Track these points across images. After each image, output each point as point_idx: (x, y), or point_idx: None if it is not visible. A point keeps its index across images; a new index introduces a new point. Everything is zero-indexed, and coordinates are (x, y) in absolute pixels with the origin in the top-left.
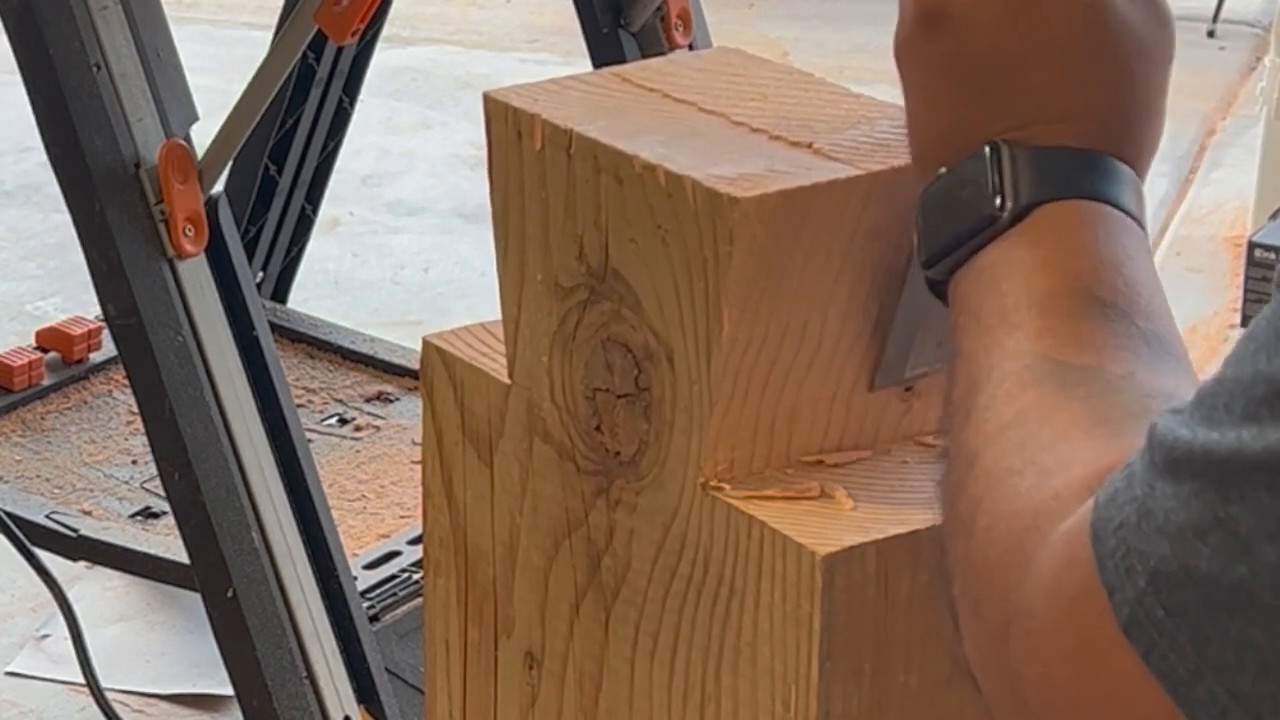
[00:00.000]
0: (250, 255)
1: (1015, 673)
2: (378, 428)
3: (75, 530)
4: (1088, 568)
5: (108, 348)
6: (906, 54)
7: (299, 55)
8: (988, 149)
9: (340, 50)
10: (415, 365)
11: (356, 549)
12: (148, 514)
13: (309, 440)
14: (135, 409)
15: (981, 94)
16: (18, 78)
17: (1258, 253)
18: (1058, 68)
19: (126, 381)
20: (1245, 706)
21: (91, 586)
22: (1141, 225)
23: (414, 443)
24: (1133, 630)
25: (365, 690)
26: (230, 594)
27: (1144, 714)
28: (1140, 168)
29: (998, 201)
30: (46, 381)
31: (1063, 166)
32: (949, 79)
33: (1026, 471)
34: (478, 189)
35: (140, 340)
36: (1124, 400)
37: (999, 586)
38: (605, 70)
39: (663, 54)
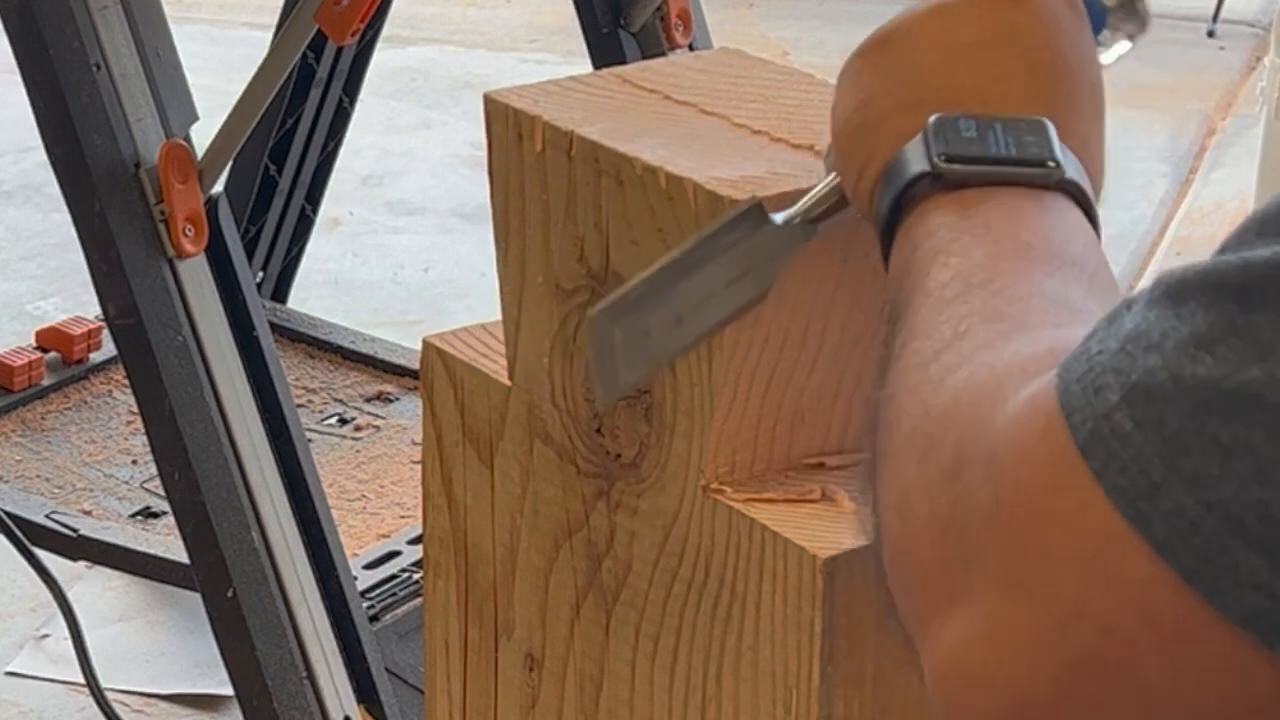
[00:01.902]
0: (250, 255)
1: (956, 512)
2: (378, 428)
3: (75, 530)
4: (1049, 398)
5: (108, 348)
6: (968, 14)
7: (299, 55)
8: (1047, 124)
9: (340, 50)
10: (415, 365)
11: (356, 549)
12: (148, 514)
13: (309, 440)
14: (135, 409)
15: (1042, 71)
16: (18, 78)
17: None
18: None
19: (126, 381)
20: (1222, 516)
21: (91, 586)
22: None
23: (414, 443)
24: (1091, 447)
25: (365, 690)
26: (230, 594)
27: (1092, 534)
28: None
29: (1056, 161)
30: (46, 381)
31: (1080, 173)
32: (1017, 42)
33: (1023, 338)
34: (478, 189)
35: (140, 340)
36: (1084, 303)
37: (955, 429)
38: (606, 71)
39: (663, 54)
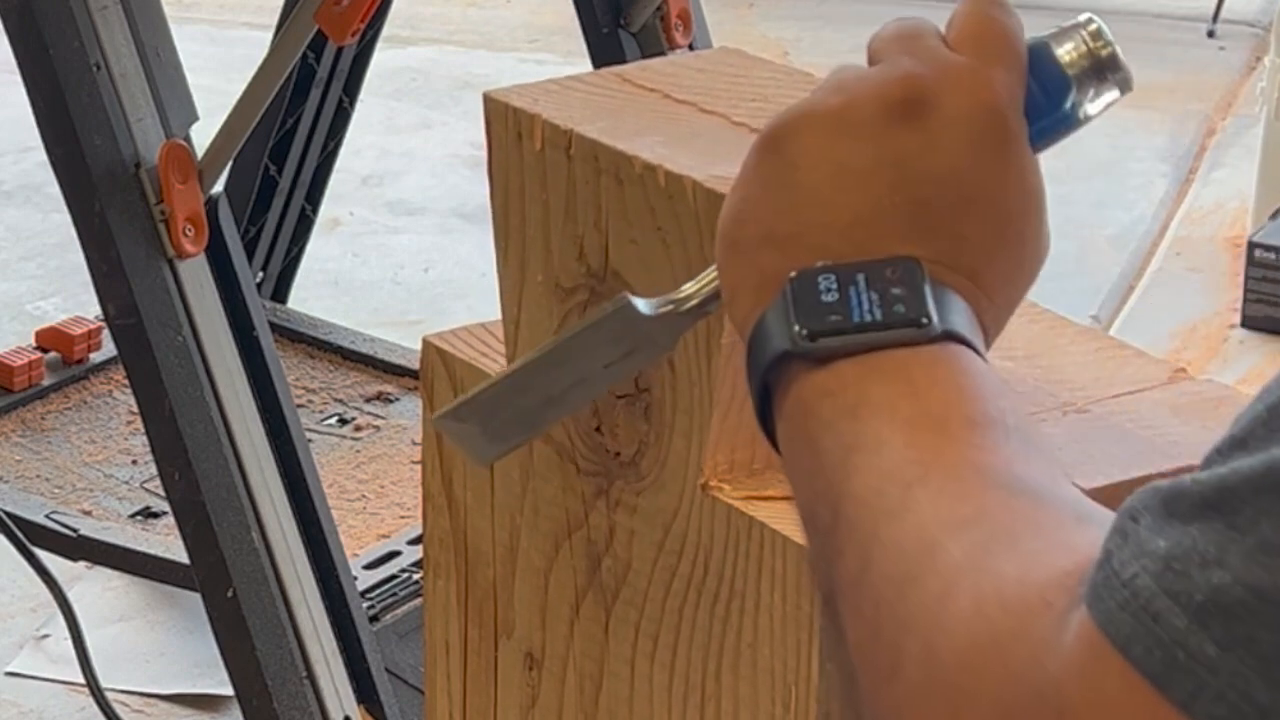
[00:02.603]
0: (250, 255)
1: None
2: (378, 428)
3: (75, 530)
4: (1098, 636)
5: (108, 348)
6: (858, 131)
7: (299, 55)
8: (919, 265)
9: (340, 50)
10: (415, 365)
11: (356, 549)
12: (148, 514)
13: (309, 440)
14: (135, 409)
15: (923, 206)
16: (18, 78)
17: (1258, 253)
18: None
19: (126, 381)
20: None
21: (91, 586)
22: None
23: (414, 443)
24: (1170, 677)
25: (365, 690)
26: (230, 594)
27: None
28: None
29: (928, 315)
30: (46, 381)
31: (961, 313)
32: (901, 173)
33: (1011, 557)
34: (478, 189)
35: (140, 340)
36: (1097, 509)
37: (996, 676)
38: (606, 71)
39: (663, 54)
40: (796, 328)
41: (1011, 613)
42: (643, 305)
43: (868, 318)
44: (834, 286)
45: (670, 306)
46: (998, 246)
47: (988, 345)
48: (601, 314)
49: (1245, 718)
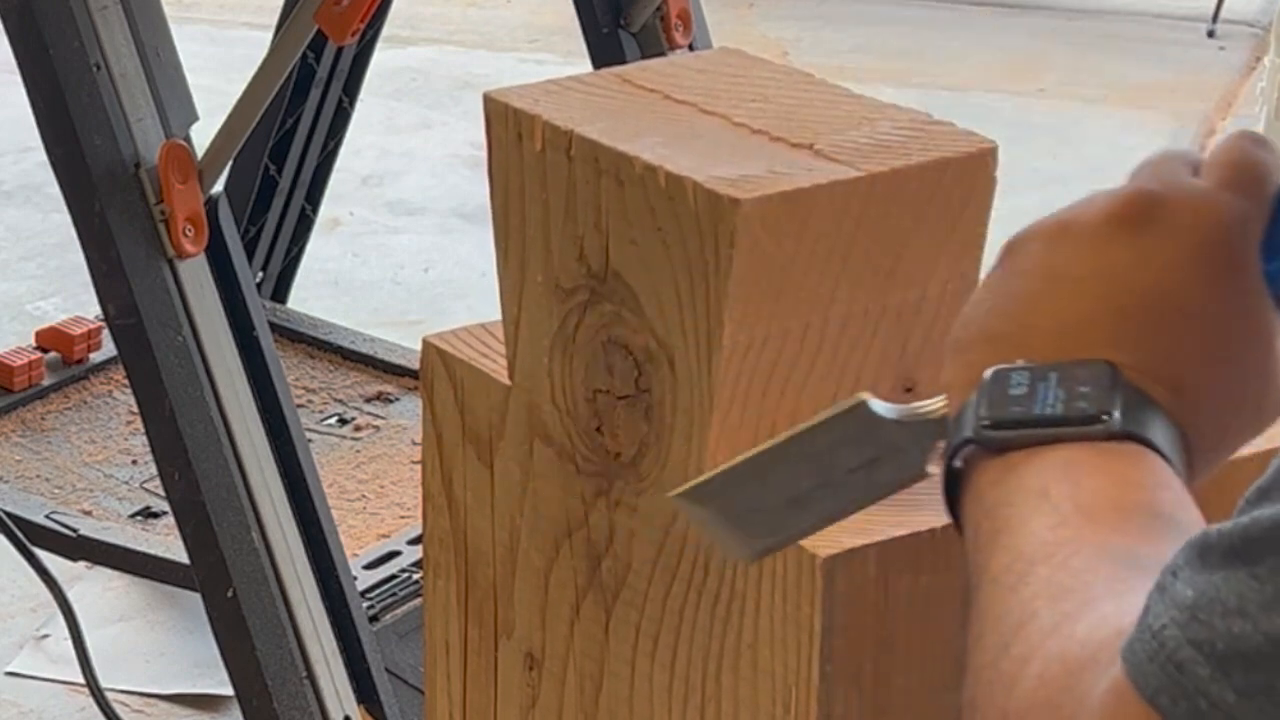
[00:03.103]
0: (250, 255)
1: None
2: (378, 428)
3: (75, 530)
4: (1125, 688)
5: (108, 348)
6: (1080, 240)
7: (299, 55)
8: (1114, 368)
9: (340, 50)
10: (415, 365)
11: (356, 549)
12: (148, 514)
13: (309, 440)
14: (135, 409)
15: (1128, 315)
16: (18, 78)
17: None
18: (1207, 340)
19: (126, 381)
20: None
21: (91, 586)
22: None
23: (414, 443)
24: None
25: (365, 690)
26: (230, 594)
27: None
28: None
29: (1109, 413)
30: (46, 381)
31: (1152, 417)
32: (1112, 283)
33: (1081, 619)
34: (478, 189)
35: (140, 340)
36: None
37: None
38: (606, 71)
39: (663, 54)
40: (981, 416)
41: (1069, 670)
42: (881, 408)
43: (1049, 411)
44: (1025, 382)
45: (911, 413)
46: (1208, 364)
47: (1196, 473)
48: (836, 409)
49: None
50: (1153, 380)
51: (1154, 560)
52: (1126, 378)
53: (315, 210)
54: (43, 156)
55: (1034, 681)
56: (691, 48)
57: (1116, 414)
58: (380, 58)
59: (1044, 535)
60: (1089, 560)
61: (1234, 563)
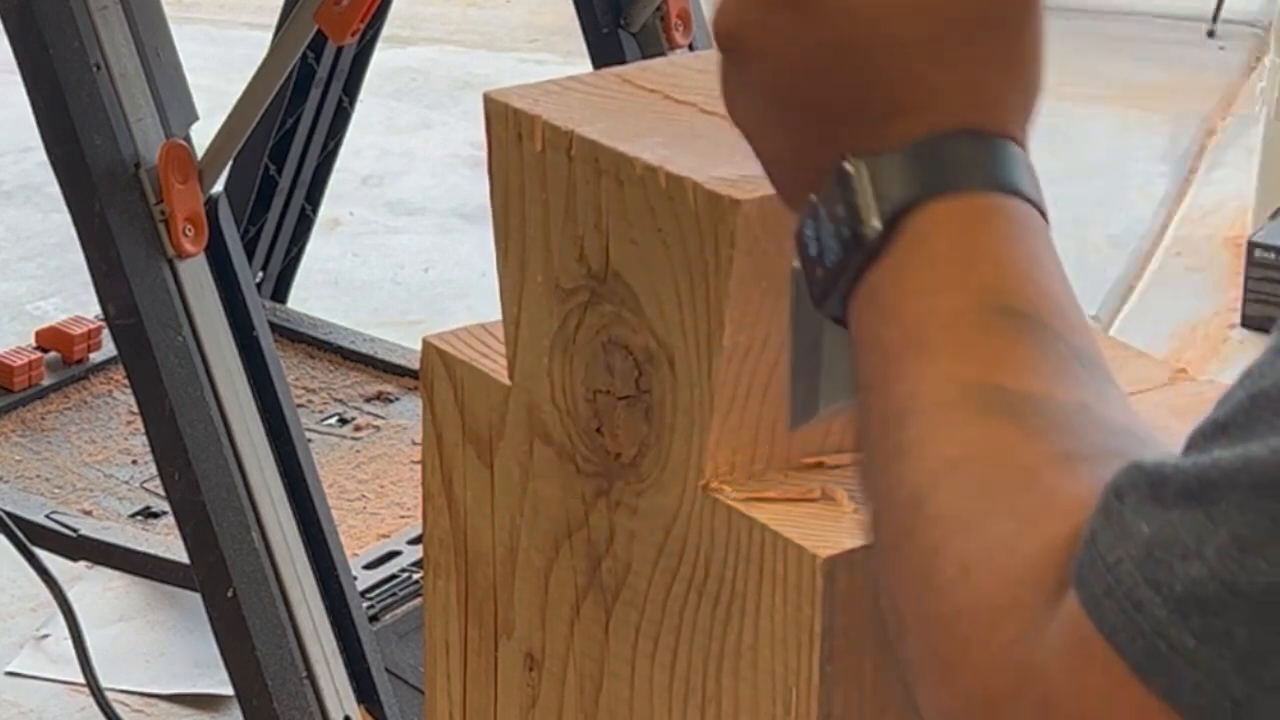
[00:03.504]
0: (250, 255)
1: None
2: (378, 428)
3: (75, 530)
4: (1084, 621)
5: (108, 348)
6: (729, 99)
7: (299, 55)
8: (839, 163)
9: (340, 50)
10: (415, 365)
11: (356, 549)
12: (148, 514)
13: (309, 440)
14: (135, 409)
15: (813, 109)
16: (18, 78)
17: (1258, 253)
18: (870, 60)
19: (126, 381)
20: None
21: (91, 586)
22: (1038, 206)
23: (414, 443)
24: (1151, 666)
25: (365, 690)
26: (230, 594)
27: None
28: (1019, 134)
29: (862, 215)
30: (46, 381)
31: (927, 159)
32: (775, 104)
33: (1000, 514)
34: (478, 189)
35: (140, 340)
36: (1090, 437)
37: (982, 652)
38: (606, 71)
39: (663, 54)
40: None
41: (998, 581)
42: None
43: (832, 257)
44: (812, 234)
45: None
46: (1016, 47)
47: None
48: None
49: (1222, 710)
50: (946, 115)
51: (1030, 404)
52: (877, 161)
53: (315, 210)
54: (43, 156)
55: (956, 585)
56: (691, 48)
57: (875, 221)
58: (380, 58)
59: (901, 388)
60: (958, 414)
61: (1192, 503)
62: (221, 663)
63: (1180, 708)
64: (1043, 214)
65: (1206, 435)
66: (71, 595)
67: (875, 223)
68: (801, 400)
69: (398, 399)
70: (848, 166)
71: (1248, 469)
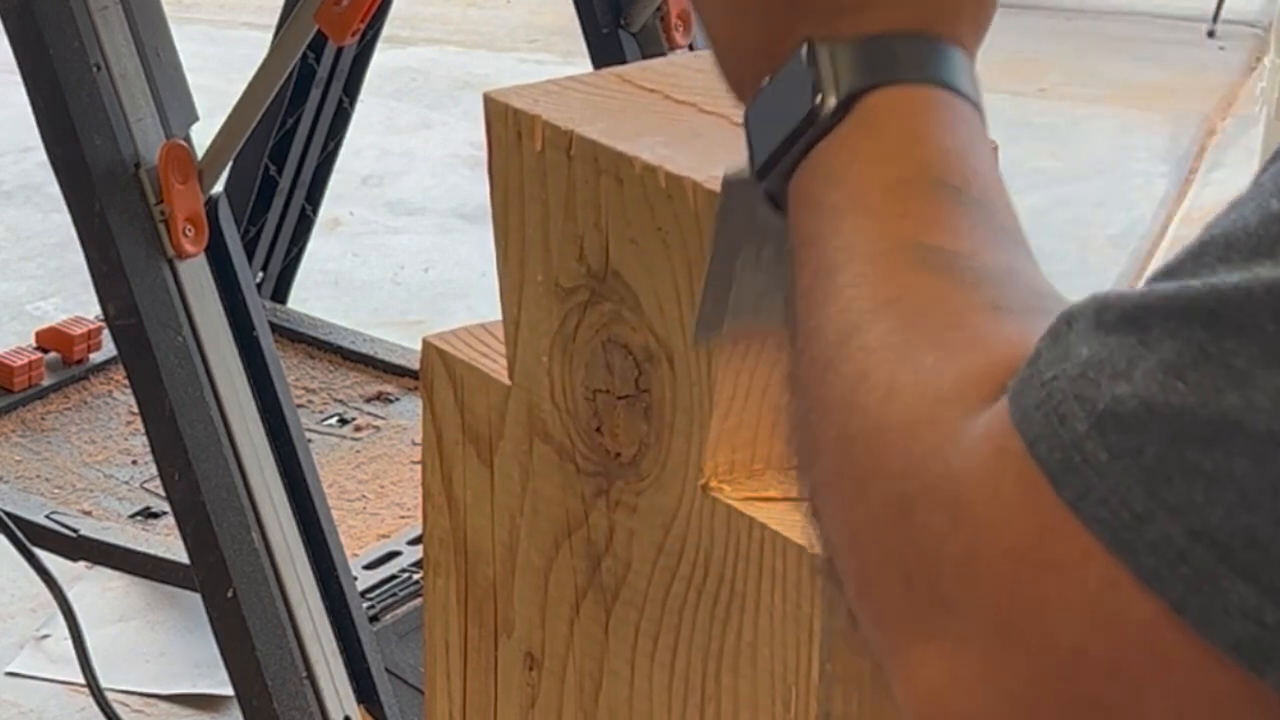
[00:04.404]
0: (250, 255)
1: (920, 554)
2: (378, 428)
3: (75, 530)
4: (1009, 430)
5: (108, 348)
6: None
7: (299, 55)
8: (804, 48)
9: (340, 50)
10: (415, 365)
11: (356, 549)
12: (148, 514)
13: (309, 440)
14: (135, 409)
15: None
16: (18, 78)
17: None
18: None
19: (126, 381)
20: (1210, 543)
21: (91, 586)
22: (977, 107)
23: (414, 443)
24: (1064, 477)
25: (365, 690)
26: (230, 594)
27: (1088, 576)
28: (969, 45)
29: (819, 97)
30: (46, 381)
31: (883, 52)
32: None
33: (929, 346)
34: (478, 189)
35: (140, 340)
36: (1016, 293)
37: (899, 460)
38: (606, 71)
39: (663, 54)
40: (753, 166)
41: (923, 399)
42: (728, 175)
43: (779, 139)
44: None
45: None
46: None
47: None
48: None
49: (1123, 522)
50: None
51: (961, 262)
52: (825, 41)
53: (315, 210)
54: (43, 156)
55: (881, 404)
56: (691, 48)
57: (831, 100)
58: (380, 58)
59: (835, 241)
60: (891, 264)
61: (1128, 329)
62: (221, 663)
63: (1084, 517)
64: (980, 114)
65: (1156, 279)
66: (71, 595)
67: (832, 101)
68: (709, 316)
69: (398, 399)
70: (813, 50)
71: (1181, 298)
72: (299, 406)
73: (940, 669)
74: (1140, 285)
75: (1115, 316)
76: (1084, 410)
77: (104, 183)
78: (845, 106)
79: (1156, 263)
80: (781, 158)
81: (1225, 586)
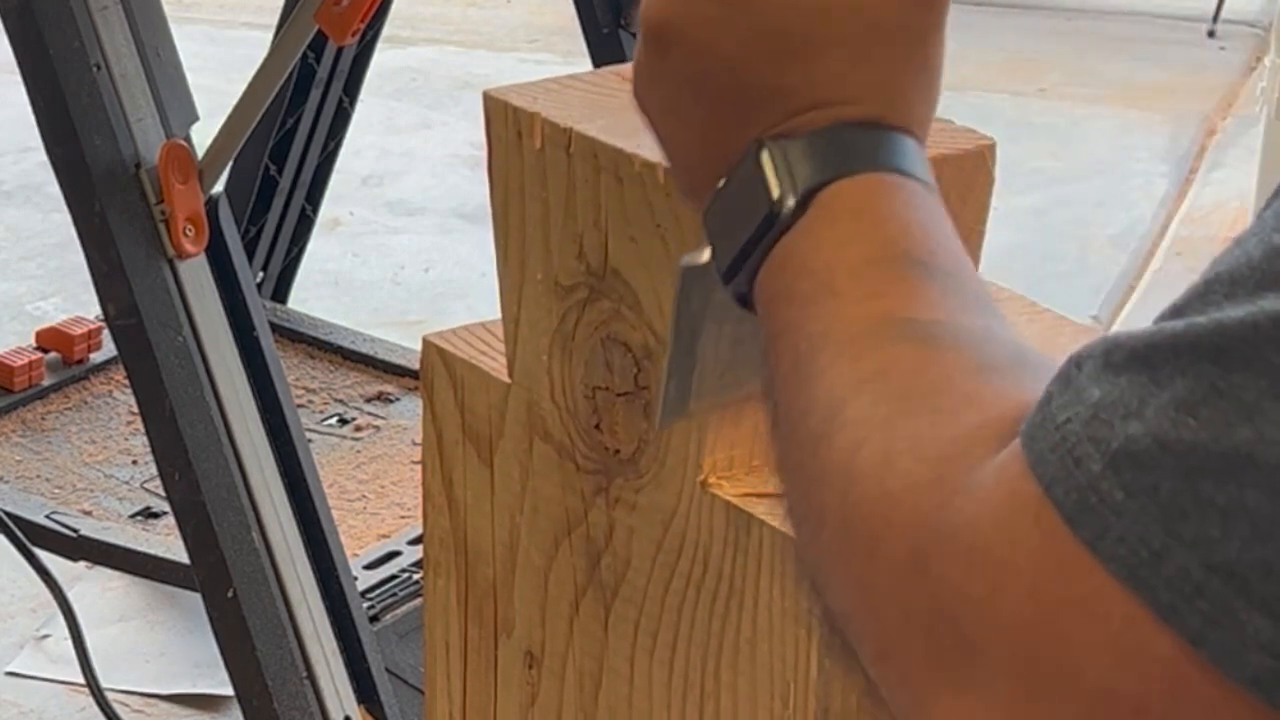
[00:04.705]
0: (250, 255)
1: (939, 606)
2: (378, 428)
3: (75, 530)
4: (1025, 475)
5: (108, 348)
6: (646, 84)
7: (299, 55)
8: (755, 147)
9: (340, 50)
10: (415, 365)
11: (356, 549)
12: (148, 514)
13: (309, 440)
14: (135, 409)
15: (731, 97)
16: (18, 78)
17: None
18: (797, 55)
19: (126, 381)
20: (1227, 576)
21: (91, 586)
22: (932, 190)
23: (414, 443)
24: (1081, 518)
25: (365, 690)
26: (230, 594)
27: (1109, 616)
28: (918, 132)
29: (777, 194)
30: (46, 381)
31: (835, 146)
32: (692, 92)
33: (922, 412)
34: (478, 189)
35: (140, 340)
36: (997, 350)
37: (908, 518)
38: (605, 69)
39: None
40: (719, 267)
41: (923, 461)
42: (685, 262)
43: (745, 236)
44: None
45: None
46: (920, 55)
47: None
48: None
49: (1141, 559)
50: (840, 104)
51: (938, 330)
52: (773, 143)
53: (315, 210)
54: (43, 156)
55: (879, 472)
56: None
57: (790, 200)
58: (380, 58)
59: (809, 327)
60: (867, 341)
61: (1138, 368)
62: (221, 663)
63: (1102, 556)
64: (936, 197)
65: (1165, 318)
66: (71, 595)
67: (790, 201)
68: (673, 399)
69: (398, 399)
70: (767, 151)
71: (1189, 335)
72: (299, 406)
73: (971, 719)
74: (1148, 325)
75: (1124, 357)
76: (1098, 451)
77: (104, 183)
78: (803, 205)
79: (1157, 263)
80: (746, 259)
81: (1242, 619)
